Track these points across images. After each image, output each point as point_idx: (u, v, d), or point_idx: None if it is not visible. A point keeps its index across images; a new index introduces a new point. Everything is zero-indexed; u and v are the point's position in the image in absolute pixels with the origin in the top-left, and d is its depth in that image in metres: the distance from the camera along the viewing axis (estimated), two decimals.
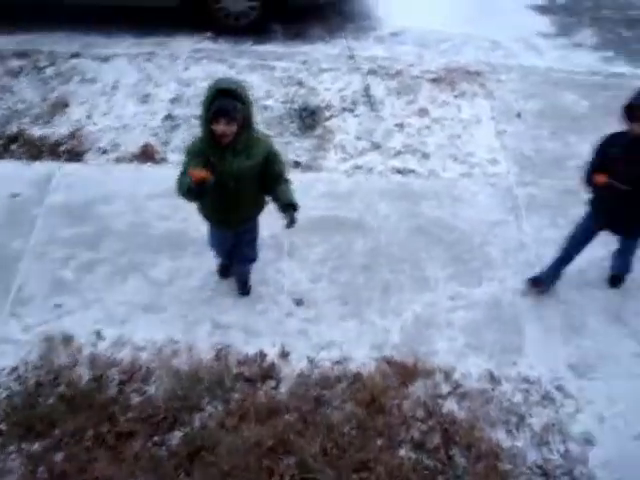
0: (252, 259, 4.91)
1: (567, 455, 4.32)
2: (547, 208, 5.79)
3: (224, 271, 5.13)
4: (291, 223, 4.28)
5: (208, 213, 4.49)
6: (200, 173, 3.84)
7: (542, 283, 5.11)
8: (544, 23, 8.25)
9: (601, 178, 4.30)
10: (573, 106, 6.89)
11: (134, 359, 4.61)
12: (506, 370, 4.72)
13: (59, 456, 4.14)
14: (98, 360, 4.58)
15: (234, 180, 4.14)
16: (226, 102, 3.82)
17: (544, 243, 5.48)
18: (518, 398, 4.58)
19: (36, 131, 6.19)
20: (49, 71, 6.88)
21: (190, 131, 6.15)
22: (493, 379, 4.66)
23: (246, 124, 3.97)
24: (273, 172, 4.24)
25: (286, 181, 4.33)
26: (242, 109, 3.88)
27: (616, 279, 5.22)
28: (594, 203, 4.69)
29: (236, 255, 4.88)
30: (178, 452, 4.16)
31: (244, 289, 5.07)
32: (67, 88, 6.67)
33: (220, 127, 3.88)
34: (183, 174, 4.06)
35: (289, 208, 4.24)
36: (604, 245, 5.01)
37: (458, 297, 5.12)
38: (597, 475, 4.21)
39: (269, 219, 4.84)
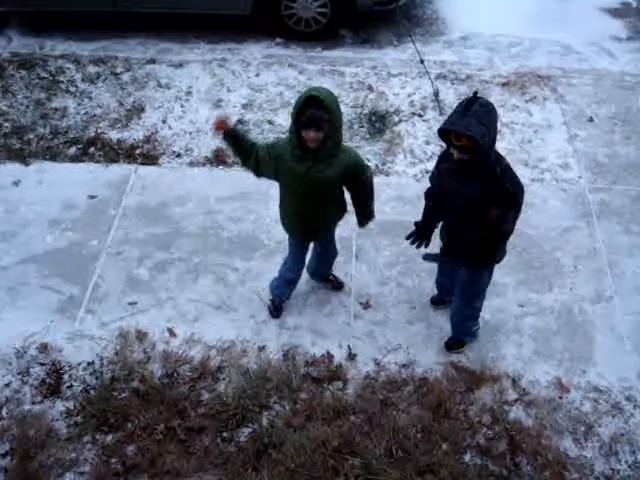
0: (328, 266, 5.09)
1: (636, 466, 4.25)
2: (620, 215, 5.69)
3: (277, 308, 5.00)
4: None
5: (285, 219, 4.60)
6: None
7: None
8: (617, 27, 8.09)
9: None
10: None
11: (205, 357, 4.71)
12: (575, 378, 4.66)
13: (131, 448, 4.26)
14: (170, 357, 4.71)
15: (306, 185, 4.23)
16: (315, 112, 3.93)
17: (616, 250, 5.39)
18: (587, 407, 4.52)
19: (113, 135, 6.36)
20: (125, 77, 7.05)
21: (262, 136, 6.25)
22: (561, 387, 4.61)
23: (331, 133, 4.05)
24: (357, 183, 4.36)
25: (372, 198, 4.51)
26: (329, 119, 3.97)
27: None
28: None
29: (312, 268, 5.05)
30: (246, 448, 4.24)
31: (336, 283, 5.19)
32: (143, 93, 6.84)
33: (310, 134, 4.00)
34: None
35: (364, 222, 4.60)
36: None
37: (528, 303, 5.08)
38: None
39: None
